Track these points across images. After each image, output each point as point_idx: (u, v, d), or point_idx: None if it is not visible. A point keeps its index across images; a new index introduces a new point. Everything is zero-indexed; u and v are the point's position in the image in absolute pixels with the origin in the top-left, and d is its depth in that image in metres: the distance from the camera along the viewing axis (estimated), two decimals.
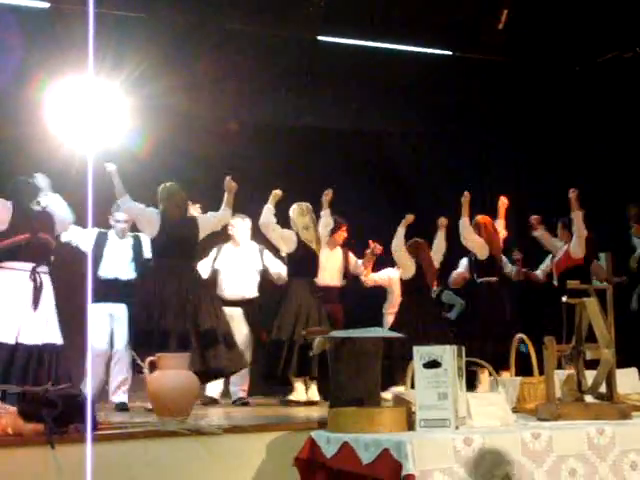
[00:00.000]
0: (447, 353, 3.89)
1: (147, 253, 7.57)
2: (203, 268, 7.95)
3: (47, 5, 8.20)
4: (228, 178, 7.45)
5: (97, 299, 7.18)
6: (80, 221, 7.08)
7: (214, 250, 8.23)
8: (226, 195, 7.45)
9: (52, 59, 7.82)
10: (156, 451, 4.49)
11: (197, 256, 7.62)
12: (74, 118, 7.40)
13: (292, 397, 7.61)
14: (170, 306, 6.93)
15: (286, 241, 7.81)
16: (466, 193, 8.34)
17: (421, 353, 3.93)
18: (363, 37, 9.51)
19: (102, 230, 7.62)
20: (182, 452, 4.55)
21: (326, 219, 8.14)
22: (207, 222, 7.42)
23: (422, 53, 9.96)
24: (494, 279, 8.41)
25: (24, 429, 4.16)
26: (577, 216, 8.37)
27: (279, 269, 8.14)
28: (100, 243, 7.53)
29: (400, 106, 9.82)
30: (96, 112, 7.43)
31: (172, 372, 5.48)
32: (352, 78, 9.40)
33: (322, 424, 4.45)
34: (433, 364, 3.89)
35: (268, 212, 7.72)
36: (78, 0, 7.13)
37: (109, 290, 7.39)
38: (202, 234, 7.36)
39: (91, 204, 6.20)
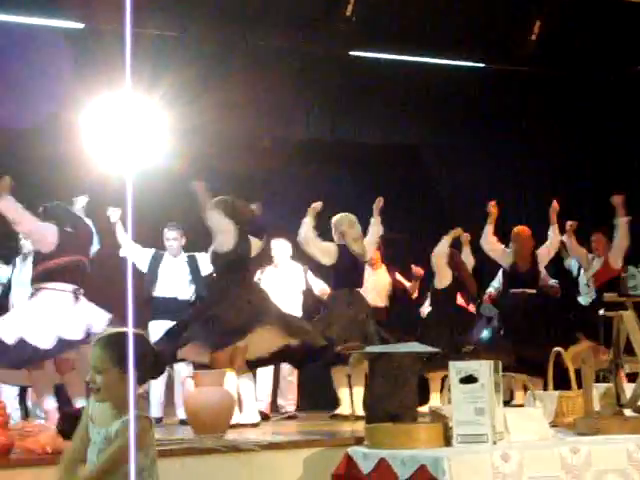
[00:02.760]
0: (484, 368, 3.86)
1: (203, 271, 7.61)
2: None
3: (82, 25, 8.29)
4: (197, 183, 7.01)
5: (155, 317, 7.42)
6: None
7: (257, 273, 8.02)
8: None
9: (88, 79, 7.90)
10: (193, 468, 4.51)
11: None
12: (111, 137, 7.48)
13: (338, 411, 7.58)
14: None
15: (328, 254, 7.72)
16: (492, 202, 8.20)
17: (457, 368, 3.91)
18: (394, 51, 9.52)
19: (158, 251, 7.71)
20: (219, 469, 4.57)
21: (377, 227, 7.87)
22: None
23: (454, 66, 9.94)
24: (529, 291, 8.23)
25: (63, 447, 4.19)
26: (622, 223, 8.02)
27: (322, 286, 8.11)
28: (155, 263, 7.63)
29: (433, 119, 9.80)
30: (133, 131, 7.46)
31: (209, 389, 5.51)
32: (385, 92, 9.41)
33: (359, 440, 4.45)
34: (469, 379, 3.87)
35: (307, 226, 7.54)
36: (114, 20, 7.19)
37: (167, 309, 7.46)
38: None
39: (131, 223, 6.25)
